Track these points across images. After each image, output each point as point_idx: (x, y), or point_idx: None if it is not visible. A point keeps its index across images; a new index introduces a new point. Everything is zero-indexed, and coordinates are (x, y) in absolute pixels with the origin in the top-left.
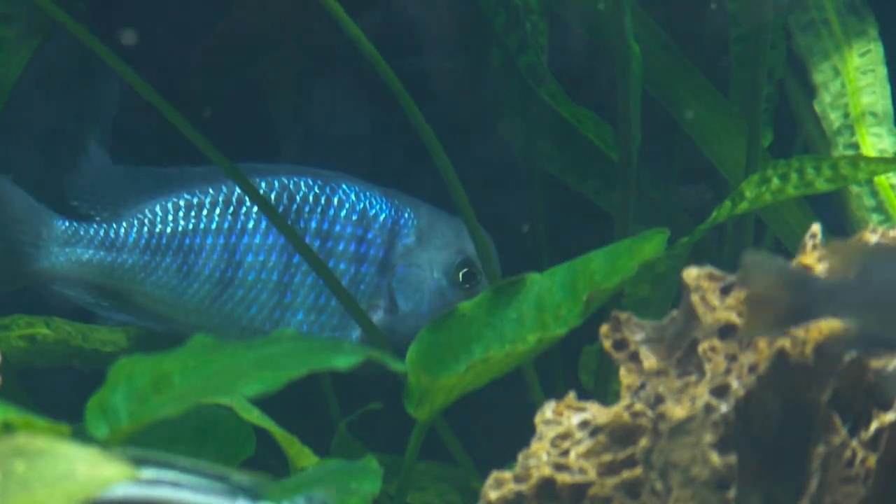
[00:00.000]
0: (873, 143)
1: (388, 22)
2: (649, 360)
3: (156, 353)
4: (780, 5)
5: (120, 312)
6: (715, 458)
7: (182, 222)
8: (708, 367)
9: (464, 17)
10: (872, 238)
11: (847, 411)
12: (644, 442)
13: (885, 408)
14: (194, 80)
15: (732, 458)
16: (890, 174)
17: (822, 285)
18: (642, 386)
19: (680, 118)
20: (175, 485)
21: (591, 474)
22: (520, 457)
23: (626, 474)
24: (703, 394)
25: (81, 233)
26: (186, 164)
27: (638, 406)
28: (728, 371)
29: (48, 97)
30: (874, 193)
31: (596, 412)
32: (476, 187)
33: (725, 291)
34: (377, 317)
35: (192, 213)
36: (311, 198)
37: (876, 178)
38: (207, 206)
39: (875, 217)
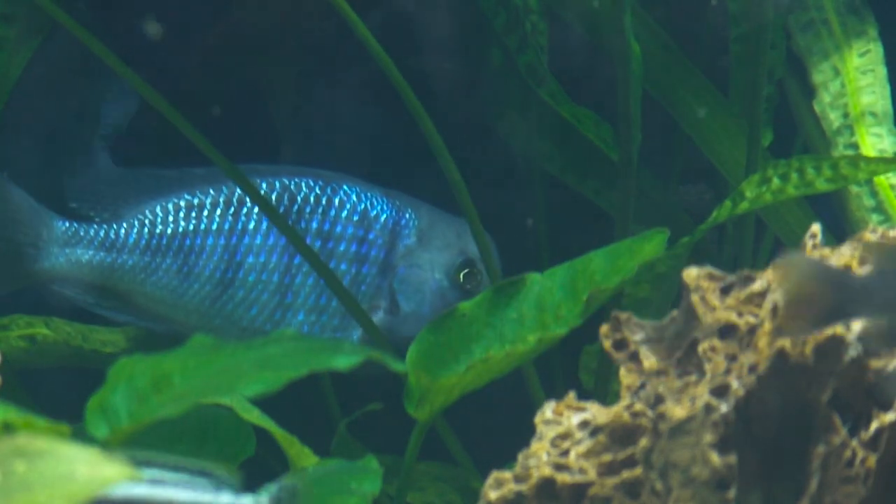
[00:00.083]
0: (873, 143)
1: (388, 22)
2: (649, 360)
3: (156, 353)
4: (780, 5)
5: (120, 313)
6: (715, 458)
7: (182, 223)
8: (708, 367)
9: (464, 17)
10: (872, 238)
11: (847, 411)
12: (644, 442)
13: (885, 408)
14: (194, 81)
15: (732, 458)
16: (889, 174)
17: (860, 283)
18: (642, 386)
19: (680, 118)
20: (156, 482)
21: (591, 474)
22: (520, 457)
23: (626, 474)
24: (703, 394)
25: (82, 233)
26: (186, 165)
27: (638, 406)
28: (728, 371)
29: (49, 97)
30: (874, 193)
31: (596, 412)
32: (476, 187)
33: (725, 291)
34: (378, 318)
35: (193, 214)
36: (311, 198)
37: (875, 179)
38: (208, 206)
39: (875, 217)
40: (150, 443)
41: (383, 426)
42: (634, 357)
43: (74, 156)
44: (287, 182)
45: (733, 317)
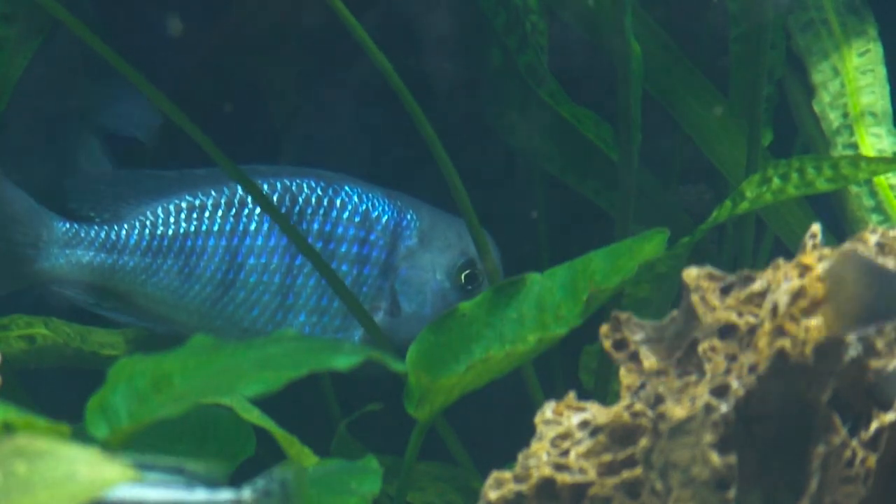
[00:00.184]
0: (872, 143)
1: (388, 22)
2: (649, 360)
3: (156, 353)
4: (780, 5)
5: (121, 314)
6: (715, 458)
7: (183, 224)
8: (708, 367)
9: (464, 17)
10: (872, 238)
11: (847, 411)
12: (644, 442)
13: (885, 408)
14: (194, 81)
15: (732, 458)
16: (889, 174)
17: None
18: (642, 386)
19: (680, 118)
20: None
21: (591, 474)
22: (520, 457)
23: (626, 474)
24: (703, 394)
25: (82, 234)
26: (187, 166)
27: (638, 406)
28: (728, 371)
29: (49, 97)
30: (873, 193)
31: (596, 412)
32: (476, 187)
33: (725, 291)
34: (379, 319)
35: (194, 215)
36: (313, 199)
37: (875, 179)
38: (209, 207)
39: (874, 217)
40: (150, 443)
41: (383, 426)
42: (634, 357)
43: (75, 156)
44: (288, 183)
45: (733, 317)
